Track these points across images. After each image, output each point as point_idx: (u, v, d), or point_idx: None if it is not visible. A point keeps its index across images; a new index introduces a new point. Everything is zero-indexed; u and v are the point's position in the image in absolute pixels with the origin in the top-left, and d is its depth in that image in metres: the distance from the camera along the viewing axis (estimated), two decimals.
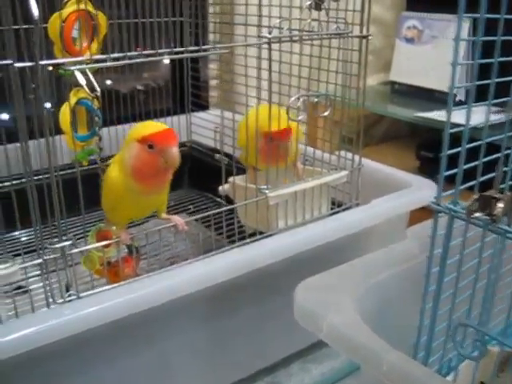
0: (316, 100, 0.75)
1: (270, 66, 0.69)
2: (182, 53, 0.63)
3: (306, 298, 0.59)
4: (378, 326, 0.55)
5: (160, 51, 0.60)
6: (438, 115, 1.40)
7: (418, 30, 1.64)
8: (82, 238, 0.70)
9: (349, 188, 0.85)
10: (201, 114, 1.20)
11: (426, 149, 1.52)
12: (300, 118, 0.73)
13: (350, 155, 0.85)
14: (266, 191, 0.74)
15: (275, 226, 0.77)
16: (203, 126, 1.15)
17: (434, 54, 1.58)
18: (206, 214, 0.73)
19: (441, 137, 0.52)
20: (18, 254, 0.63)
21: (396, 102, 1.63)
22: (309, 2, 0.71)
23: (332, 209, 0.85)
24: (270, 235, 0.75)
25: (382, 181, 0.93)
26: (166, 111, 1.13)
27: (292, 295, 0.77)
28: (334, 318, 0.55)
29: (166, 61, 1.27)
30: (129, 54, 0.59)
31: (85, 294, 0.63)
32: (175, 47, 0.63)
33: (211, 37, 1.11)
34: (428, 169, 1.45)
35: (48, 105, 0.60)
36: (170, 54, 0.62)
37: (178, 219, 0.71)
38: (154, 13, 0.65)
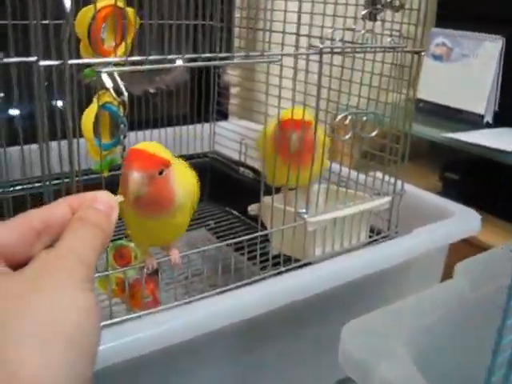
0: (365, 118, 0.68)
1: (319, 79, 0.62)
2: (227, 58, 0.56)
3: (353, 343, 0.52)
4: (434, 377, 0.48)
5: (203, 56, 0.54)
6: (470, 137, 1.33)
7: (447, 48, 1.58)
8: None
9: (388, 215, 0.78)
10: (223, 124, 1.14)
11: (451, 170, 1.46)
12: (347, 137, 0.67)
13: (385, 178, 0.78)
14: (305, 216, 0.67)
15: (312, 254, 0.70)
16: (225, 136, 1.09)
17: (463, 74, 1.52)
18: (240, 239, 0.66)
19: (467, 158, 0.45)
20: None
21: (420, 120, 1.57)
22: (364, 12, 0.64)
23: (370, 236, 0.78)
24: (307, 264, 0.68)
25: (422, 208, 0.86)
26: (189, 118, 1.07)
27: (322, 329, 0.72)
28: (387, 370, 0.49)
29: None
30: (169, 56, 0.52)
31: (102, 323, 0.56)
32: (204, 52, 0.56)
33: (237, 43, 1.05)
34: (452, 191, 1.39)
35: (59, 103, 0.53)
36: (214, 59, 0.55)
37: (175, 253, 0.64)
38: (182, 16, 0.58)
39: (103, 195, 0.36)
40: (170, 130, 1.06)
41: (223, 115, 1.21)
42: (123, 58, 0.51)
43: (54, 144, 0.53)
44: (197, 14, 0.65)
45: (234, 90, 1.28)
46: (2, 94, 0.68)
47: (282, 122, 0.67)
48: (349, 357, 0.51)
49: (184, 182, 0.60)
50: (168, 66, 0.51)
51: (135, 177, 0.52)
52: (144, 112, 1.02)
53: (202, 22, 0.66)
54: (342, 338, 0.52)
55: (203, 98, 1.10)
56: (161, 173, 0.55)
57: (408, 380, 0.48)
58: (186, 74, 1.27)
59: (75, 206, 0.35)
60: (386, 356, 0.50)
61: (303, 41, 0.65)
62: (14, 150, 0.70)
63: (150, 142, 0.59)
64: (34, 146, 0.54)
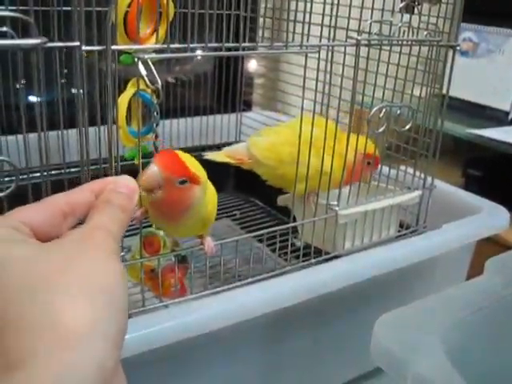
0: (398, 112, 0.68)
1: (355, 73, 0.62)
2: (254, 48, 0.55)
3: (387, 336, 0.52)
4: (467, 372, 0.48)
5: (244, 45, 0.53)
6: (495, 133, 1.32)
7: (473, 43, 1.56)
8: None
9: (417, 209, 0.78)
10: (249, 114, 1.14)
11: (474, 167, 1.45)
12: (380, 130, 0.66)
13: (414, 172, 0.78)
14: (337, 208, 0.66)
15: (341, 247, 0.70)
16: (251, 127, 1.08)
17: (489, 69, 1.51)
18: (272, 229, 0.65)
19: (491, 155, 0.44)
20: None
21: (446, 116, 1.56)
22: (402, 4, 0.63)
23: (399, 231, 0.77)
24: (336, 257, 0.68)
25: (450, 203, 0.86)
26: (216, 108, 1.07)
27: (350, 322, 0.72)
28: (421, 364, 0.48)
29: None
30: (210, 45, 0.51)
31: (134, 310, 0.56)
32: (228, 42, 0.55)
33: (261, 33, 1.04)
34: (474, 188, 1.37)
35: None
36: (253, 48, 0.55)
37: (208, 241, 0.62)
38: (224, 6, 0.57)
39: (124, 179, 0.40)
40: (196, 119, 1.06)
41: (248, 105, 1.21)
42: (165, 45, 0.51)
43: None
44: (223, 3, 0.64)
45: (258, 81, 1.27)
46: (23, 81, 0.67)
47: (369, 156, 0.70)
48: (382, 350, 0.51)
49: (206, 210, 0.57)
50: (209, 54, 0.51)
51: (152, 170, 0.49)
52: (171, 101, 1.02)
53: (243, 12, 0.65)
54: (374, 331, 0.52)
55: (230, 89, 1.09)
56: (182, 182, 0.51)
57: (442, 374, 0.48)
58: (205, 65, 1.27)
59: (97, 190, 0.38)
60: (419, 350, 0.50)
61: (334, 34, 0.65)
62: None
63: (190, 157, 0.54)
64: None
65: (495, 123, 1.43)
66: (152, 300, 0.65)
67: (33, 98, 0.52)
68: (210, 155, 0.78)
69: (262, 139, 0.77)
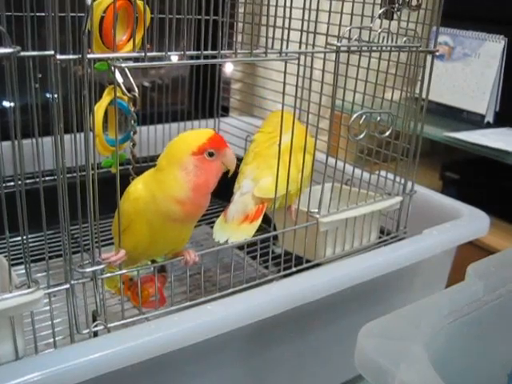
0: (379, 118, 0.68)
1: (335, 79, 0.61)
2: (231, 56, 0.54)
3: (371, 345, 0.51)
4: (451, 380, 0.48)
5: (223, 52, 0.52)
6: (471, 137, 1.33)
7: (449, 47, 1.57)
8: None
9: (397, 215, 0.78)
10: (226, 119, 1.13)
11: (452, 170, 1.45)
12: (361, 136, 0.66)
13: (392, 177, 0.78)
14: (317, 215, 0.66)
15: (322, 255, 0.69)
16: (228, 132, 1.07)
17: (465, 73, 1.52)
18: (253, 239, 0.64)
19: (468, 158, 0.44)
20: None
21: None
22: (382, 10, 0.63)
23: (379, 237, 0.77)
24: (317, 265, 0.68)
25: (429, 208, 0.86)
26: (193, 114, 1.06)
27: (330, 331, 0.71)
28: (405, 373, 0.48)
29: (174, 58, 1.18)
30: (188, 53, 0.50)
31: (113, 324, 0.55)
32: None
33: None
34: (452, 191, 1.38)
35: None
36: (232, 56, 0.54)
37: (189, 252, 0.62)
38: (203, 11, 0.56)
39: None
40: (173, 125, 1.04)
41: (225, 110, 1.19)
42: (142, 54, 0.50)
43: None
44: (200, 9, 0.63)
45: (235, 86, 1.26)
46: None
47: None
48: (367, 361, 0.50)
49: None
50: (187, 62, 0.50)
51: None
52: (148, 107, 1.01)
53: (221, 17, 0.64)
54: (358, 341, 0.51)
55: (208, 94, 1.08)
56: None
57: (427, 383, 0.47)
58: (182, 69, 1.25)
59: None
60: (404, 359, 0.50)
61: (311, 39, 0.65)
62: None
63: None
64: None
65: (472, 126, 1.44)
66: (131, 311, 0.64)
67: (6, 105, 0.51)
68: (222, 237, 0.66)
69: (267, 181, 0.70)
